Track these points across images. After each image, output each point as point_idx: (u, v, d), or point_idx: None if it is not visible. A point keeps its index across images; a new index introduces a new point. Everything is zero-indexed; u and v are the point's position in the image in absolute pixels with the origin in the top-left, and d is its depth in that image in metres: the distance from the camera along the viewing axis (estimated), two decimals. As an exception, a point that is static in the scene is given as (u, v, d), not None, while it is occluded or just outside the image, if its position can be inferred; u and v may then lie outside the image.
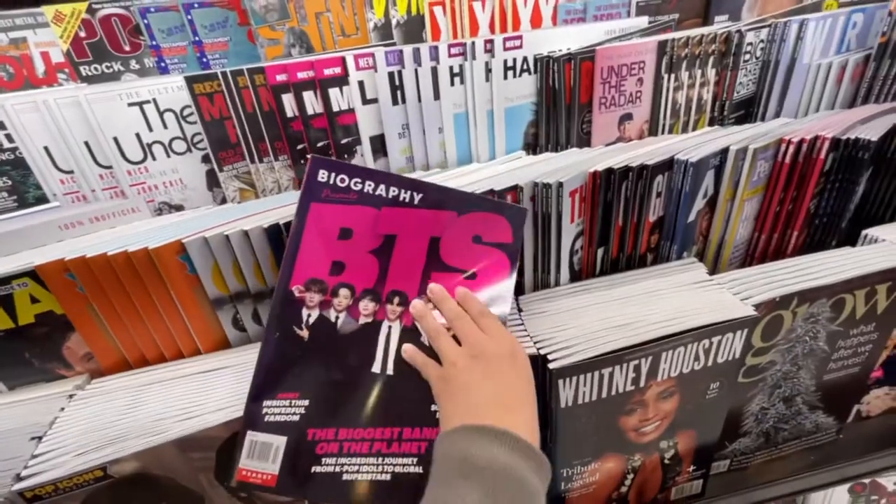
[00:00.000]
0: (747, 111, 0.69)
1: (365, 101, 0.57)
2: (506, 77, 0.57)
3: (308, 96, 0.55)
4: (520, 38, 0.56)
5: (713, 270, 0.63)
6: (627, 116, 0.63)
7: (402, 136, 0.59)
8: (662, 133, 0.66)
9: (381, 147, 0.59)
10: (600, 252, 0.59)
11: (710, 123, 0.68)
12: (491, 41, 0.55)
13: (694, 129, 0.67)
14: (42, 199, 0.55)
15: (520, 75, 0.58)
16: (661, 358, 0.49)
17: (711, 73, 0.64)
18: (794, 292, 0.52)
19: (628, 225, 0.57)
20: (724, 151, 0.57)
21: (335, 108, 0.56)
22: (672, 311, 0.51)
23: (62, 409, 0.48)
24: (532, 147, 0.64)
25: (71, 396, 0.49)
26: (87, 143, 0.53)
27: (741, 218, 0.61)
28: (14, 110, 0.50)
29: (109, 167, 0.54)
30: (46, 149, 0.53)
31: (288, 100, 0.55)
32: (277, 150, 0.57)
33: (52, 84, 0.61)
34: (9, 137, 0.52)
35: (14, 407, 0.48)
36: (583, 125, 0.62)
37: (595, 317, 0.52)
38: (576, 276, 0.59)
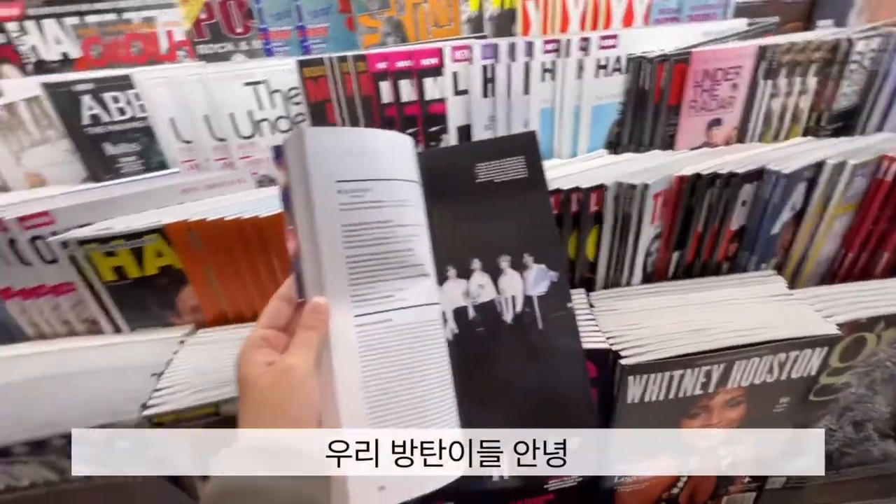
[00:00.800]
0: (846, 123, 0.66)
1: (457, 92, 0.59)
2: (597, 75, 0.58)
3: (404, 84, 0.58)
4: (615, 37, 0.56)
5: (792, 285, 0.61)
6: (716, 122, 0.62)
7: (488, 127, 0.61)
8: (751, 141, 0.64)
9: (466, 137, 0.62)
10: (675, 256, 0.59)
11: (805, 134, 0.65)
12: (587, 39, 0.56)
13: (786, 138, 0.65)
14: (163, 165, 0.62)
15: (611, 74, 0.59)
16: (734, 367, 0.49)
17: (812, 82, 0.62)
18: (882, 315, 0.50)
19: (708, 232, 0.57)
20: (820, 165, 0.55)
21: (428, 97, 0.59)
22: (749, 322, 0.51)
23: (175, 352, 0.54)
24: (614, 146, 0.64)
25: (181, 342, 0.55)
26: (206, 117, 0.58)
27: (829, 234, 0.59)
28: (149, 84, 0.56)
29: (223, 140, 0.60)
30: (172, 120, 0.59)
31: (385, 87, 0.58)
32: (370, 133, 0.61)
33: (172, 60, 0.68)
34: (142, 108, 0.58)
35: (136, 346, 0.55)
36: (668, 127, 0.62)
37: (668, 319, 0.53)
38: (647, 278, 0.60)
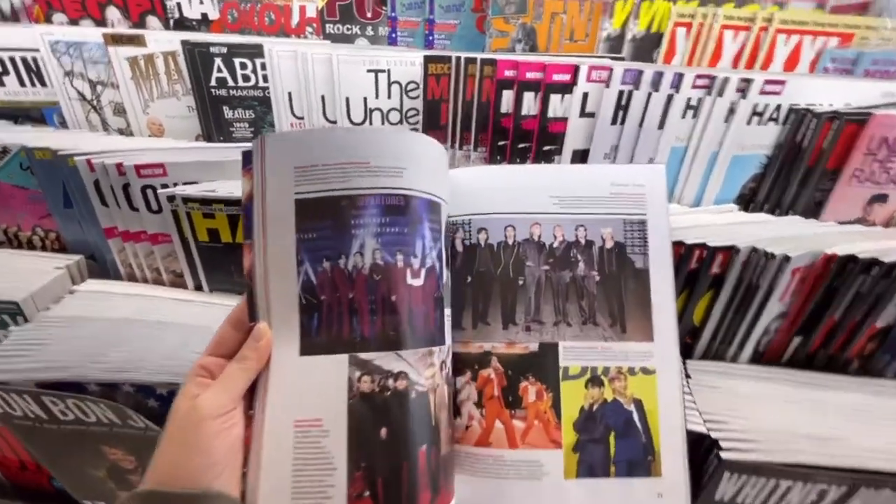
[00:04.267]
0: None
1: (582, 114, 0.54)
2: (749, 122, 0.51)
3: (528, 97, 0.54)
4: (783, 83, 0.49)
5: (938, 406, 0.51)
6: (881, 197, 0.53)
7: (607, 156, 0.56)
8: (919, 227, 0.54)
9: (580, 163, 0.57)
10: (797, 340, 0.51)
11: None
12: (748, 81, 0.49)
13: (966, 232, 0.54)
14: (271, 136, 0.62)
15: (765, 123, 0.52)
16: (858, 492, 0.41)
17: None
18: None
19: (846, 323, 0.49)
20: None
21: (550, 115, 0.55)
22: (887, 442, 0.43)
23: (248, 323, 0.54)
24: (745, 202, 0.57)
25: (255, 314, 0.55)
26: (322, 97, 0.58)
27: None
28: (277, 55, 0.57)
29: (334, 121, 0.59)
30: (289, 94, 0.59)
31: (507, 96, 0.55)
32: (479, 141, 0.58)
33: (299, 35, 0.68)
34: (265, 78, 0.59)
35: (213, 308, 0.56)
36: (818, 193, 0.54)
37: (781, 415, 0.45)
38: (757, 358, 0.52)
